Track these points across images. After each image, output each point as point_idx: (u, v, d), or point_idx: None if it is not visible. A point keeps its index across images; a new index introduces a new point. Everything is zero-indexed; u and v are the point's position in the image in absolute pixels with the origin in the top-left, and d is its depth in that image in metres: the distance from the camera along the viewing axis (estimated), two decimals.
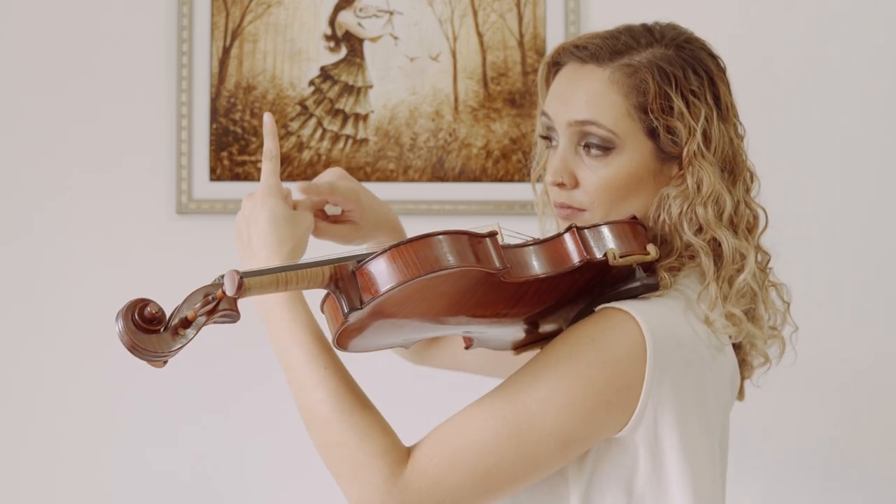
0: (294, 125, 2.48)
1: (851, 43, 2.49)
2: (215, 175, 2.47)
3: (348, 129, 2.49)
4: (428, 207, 2.48)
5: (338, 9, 2.50)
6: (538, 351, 1.57)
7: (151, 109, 2.48)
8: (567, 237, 1.40)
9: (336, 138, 2.48)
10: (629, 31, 1.50)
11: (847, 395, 2.47)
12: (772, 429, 2.46)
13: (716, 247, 1.46)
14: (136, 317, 1.21)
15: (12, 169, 2.49)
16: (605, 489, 1.41)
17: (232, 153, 2.48)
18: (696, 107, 1.45)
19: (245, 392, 2.49)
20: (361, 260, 1.30)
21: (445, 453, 1.34)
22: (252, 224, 1.48)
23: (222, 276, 1.24)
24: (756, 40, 2.48)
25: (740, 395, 1.59)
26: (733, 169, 1.47)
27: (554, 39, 2.47)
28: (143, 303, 1.22)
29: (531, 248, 1.38)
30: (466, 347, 1.55)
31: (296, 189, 1.57)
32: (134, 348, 1.21)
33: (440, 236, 1.29)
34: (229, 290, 1.22)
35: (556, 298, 1.42)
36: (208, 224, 2.47)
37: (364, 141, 2.49)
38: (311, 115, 2.49)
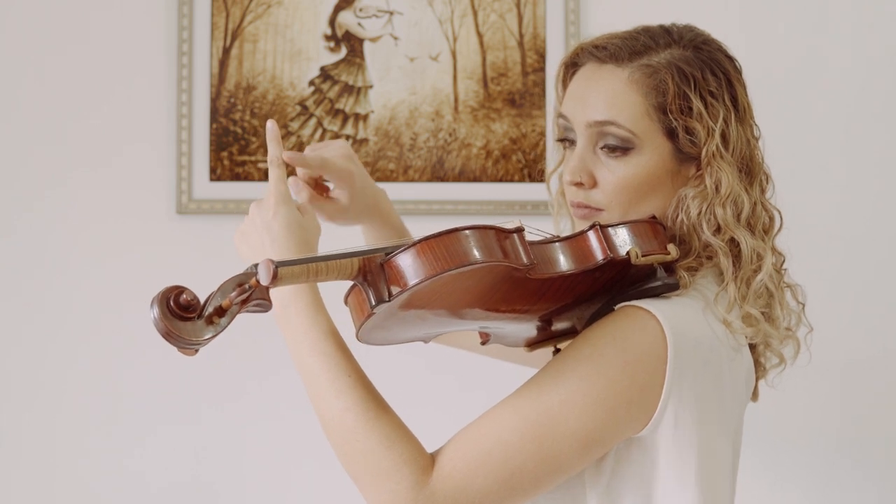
0: (294, 125, 2.48)
1: (863, 43, 2.49)
2: (215, 175, 2.47)
3: (348, 129, 2.49)
4: (428, 207, 2.48)
5: (338, 9, 2.50)
6: (551, 349, 1.58)
7: (151, 109, 2.48)
8: (591, 235, 1.41)
9: (336, 138, 2.48)
10: (647, 31, 1.50)
11: (859, 395, 2.48)
12: (784, 428, 2.46)
13: (733, 247, 1.47)
14: (172, 304, 1.21)
15: (11, 169, 2.48)
16: (624, 491, 1.42)
17: (232, 153, 2.47)
18: (715, 108, 1.46)
19: (244, 390, 2.48)
20: (390, 252, 1.29)
21: (470, 457, 1.34)
22: (265, 232, 1.47)
23: (255, 266, 1.24)
24: (766, 41, 2.49)
25: (754, 395, 1.60)
26: (750, 170, 1.49)
27: (554, 39, 2.47)
28: (178, 290, 1.21)
29: (556, 244, 1.39)
30: (483, 343, 1.55)
31: (285, 155, 1.55)
32: (169, 335, 1.20)
33: (468, 231, 1.30)
34: (264, 279, 1.22)
35: (576, 296, 1.43)
36: (208, 224, 2.47)
37: (364, 141, 2.49)
38: (312, 115, 2.49)
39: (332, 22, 2.50)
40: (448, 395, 2.44)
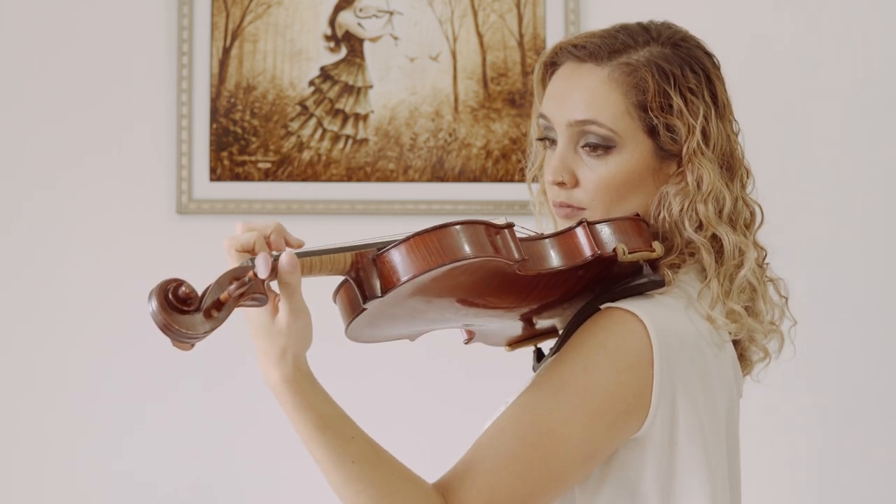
0: (294, 125, 2.49)
1: (844, 37, 2.50)
2: (215, 175, 2.48)
3: (348, 129, 2.49)
4: (428, 207, 2.48)
5: (338, 9, 2.51)
6: (532, 348, 1.58)
7: (151, 109, 2.48)
8: (579, 231, 1.40)
9: (336, 138, 2.49)
10: (626, 29, 1.50)
11: (844, 390, 2.48)
12: (769, 423, 2.46)
13: (715, 244, 1.47)
14: (171, 296, 1.18)
15: (10, 168, 2.49)
16: (613, 491, 1.41)
17: (232, 153, 2.48)
18: (695, 104, 1.45)
19: (245, 389, 2.49)
20: (382, 248, 1.28)
21: (484, 493, 1.33)
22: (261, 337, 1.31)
23: (251, 260, 1.22)
24: (750, 36, 2.49)
25: None
26: (731, 166, 1.48)
27: (554, 39, 2.47)
28: (177, 282, 1.19)
29: (545, 241, 1.39)
30: (467, 341, 1.55)
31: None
32: (167, 328, 1.18)
33: (460, 226, 1.29)
34: (262, 272, 1.20)
35: (561, 294, 1.43)
36: (208, 224, 2.47)
37: (364, 141, 2.49)
38: (312, 115, 2.49)
39: (332, 22, 2.50)
40: (452, 383, 2.46)
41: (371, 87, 2.50)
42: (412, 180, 2.49)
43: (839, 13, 2.50)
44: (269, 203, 2.47)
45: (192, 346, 1.21)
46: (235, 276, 1.21)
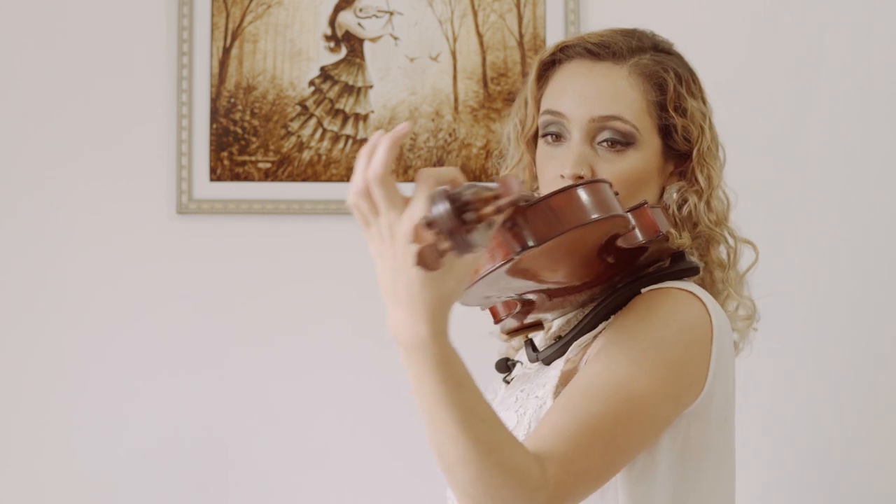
0: (294, 125, 2.49)
1: (844, 37, 2.50)
2: (215, 175, 2.48)
3: (348, 129, 2.49)
4: None
5: (338, 9, 2.51)
6: (525, 339, 1.59)
7: (151, 109, 2.48)
8: (648, 210, 1.42)
9: (336, 138, 2.49)
10: (635, 32, 1.56)
11: (841, 389, 2.48)
12: (761, 421, 2.46)
13: (725, 240, 1.56)
14: (457, 201, 1.07)
15: (8, 169, 2.49)
16: (658, 470, 1.43)
17: (232, 153, 2.48)
18: (702, 108, 1.54)
19: (237, 384, 2.49)
20: (544, 196, 1.26)
21: (577, 460, 1.31)
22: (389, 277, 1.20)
23: (495, 181, 1.12)
24: (750, 36, 2.49)
25: None
26: (720, 167, 1.58)
27: (554, 39, 2.47)
28: (457, 190, 1.09)
29: (629, 214, 1.39)
30: (497, 322, 1.54)
31: None
32: (453, 233, 1.06)
33: (603, 183, 1.33)
34: (517, 191, 1.09)
35: (594, 276, 1.44)
36: (208, 224, 2.47)
37: (364, 141, 2.49)
38: (312, 116, 2.49)
39: (332, 22, 2.50)
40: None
41: (371, 87, 2.50)
42: (412, 180, 2.48)
43: (839, 13, 2.50)
44: (269, 203, 2.47)
45: (442, 265, 1.08)
46: (495, 195, 1.09)
